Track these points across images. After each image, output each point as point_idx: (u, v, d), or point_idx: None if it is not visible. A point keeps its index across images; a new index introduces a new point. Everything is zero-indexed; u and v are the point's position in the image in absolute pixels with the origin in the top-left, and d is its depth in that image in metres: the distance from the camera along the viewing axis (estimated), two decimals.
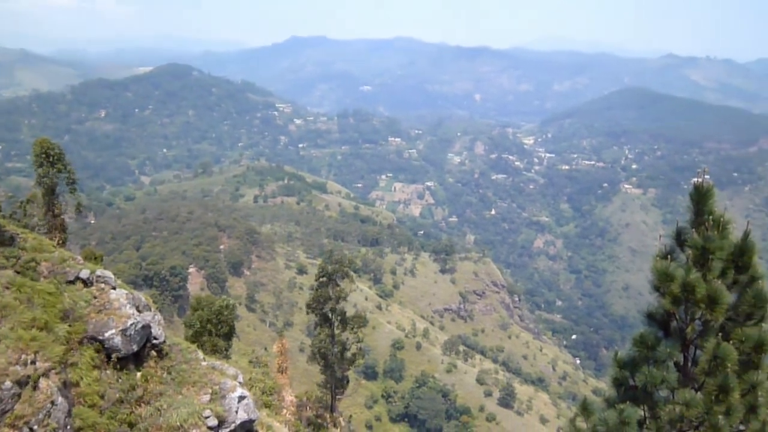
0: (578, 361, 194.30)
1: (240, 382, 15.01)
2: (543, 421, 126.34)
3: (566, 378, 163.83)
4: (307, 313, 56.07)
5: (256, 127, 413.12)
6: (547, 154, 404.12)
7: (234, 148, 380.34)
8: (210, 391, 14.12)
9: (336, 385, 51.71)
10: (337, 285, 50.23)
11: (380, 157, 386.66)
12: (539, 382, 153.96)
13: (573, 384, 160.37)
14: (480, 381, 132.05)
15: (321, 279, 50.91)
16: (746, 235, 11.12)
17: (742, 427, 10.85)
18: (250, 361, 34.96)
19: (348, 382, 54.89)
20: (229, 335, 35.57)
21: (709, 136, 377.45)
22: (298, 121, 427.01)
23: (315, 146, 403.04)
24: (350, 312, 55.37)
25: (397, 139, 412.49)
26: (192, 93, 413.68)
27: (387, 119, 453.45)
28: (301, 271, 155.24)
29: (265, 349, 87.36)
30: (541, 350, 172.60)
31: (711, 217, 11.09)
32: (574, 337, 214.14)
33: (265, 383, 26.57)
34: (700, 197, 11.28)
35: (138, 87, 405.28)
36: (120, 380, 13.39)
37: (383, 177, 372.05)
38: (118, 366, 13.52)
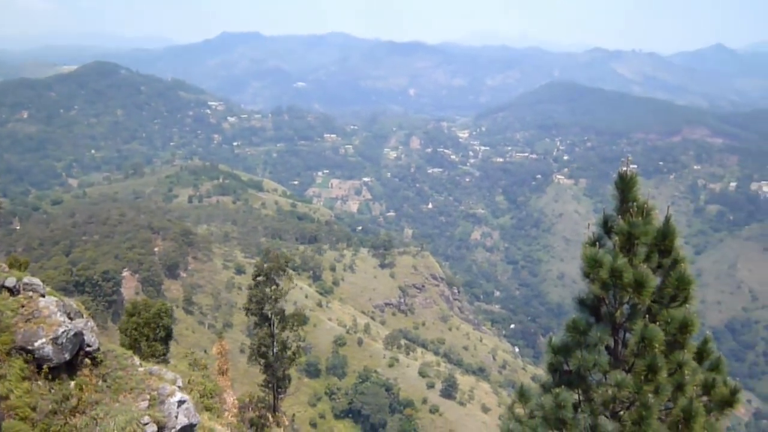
0: (517, 350, 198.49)
1: (179, 386, 14.72)
2: (485, 409, 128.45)
3: (506, 367, 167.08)
4: (246, 315, 55.22)
5: (189, 125, 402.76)
6: (482, 147, 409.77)
7: (166, 148, 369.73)
8: (148, 396, 13.80)
9: (278, 384, 51.18)
10: (275, 284, 49.66)
11: (316, 154, 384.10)
12: (480, 372, 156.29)
13: (513, 372, 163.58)
14: (422, 374, 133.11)
15: (258, 278, 50.23)
16: (667, 219, 11.61)
17: (670, 404, 11.32)
18: (190, 364, 34.26)
19: (290, 380, 54.40)
20: (166, 339, 34.79)
21: (636, 127, 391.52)
22: (231, 119, 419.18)
23: (250, 144, 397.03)
24: (290, 310, 54.91)
25: (332, 136, 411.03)
26: (120, 92, 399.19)
27: (322, 115, 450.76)
28: (240, 271, 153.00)
29: (205, 351, 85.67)
30: (481, 341, 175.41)
31: (635, 204, 11.53)
32: (512, 326, 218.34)
33: (205, 386, 26.09)
34: (625, 185, 11.73)
35: (62, 86, 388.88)
36: (52, 391, 12.93)
37: (320, 174, 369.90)
38: (50, 376, 13.05)
